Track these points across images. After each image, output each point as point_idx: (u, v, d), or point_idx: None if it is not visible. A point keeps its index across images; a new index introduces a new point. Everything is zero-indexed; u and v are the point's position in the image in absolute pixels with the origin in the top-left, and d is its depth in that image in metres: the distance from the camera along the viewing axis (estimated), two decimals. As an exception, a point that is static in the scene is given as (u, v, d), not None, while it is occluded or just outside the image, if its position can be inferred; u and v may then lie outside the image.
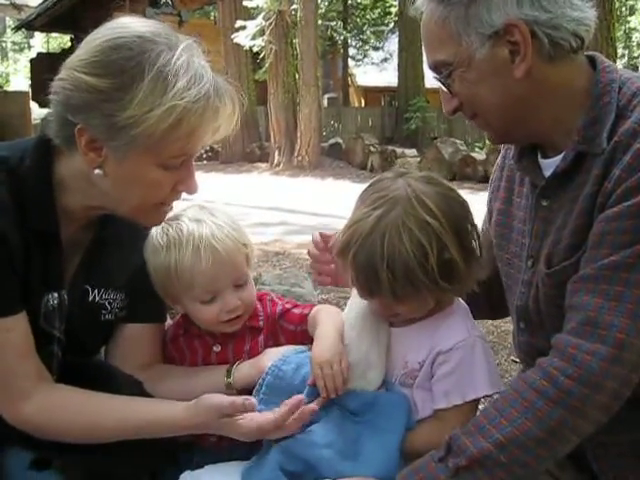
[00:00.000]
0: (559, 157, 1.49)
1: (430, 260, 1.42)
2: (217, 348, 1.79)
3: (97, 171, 1.45)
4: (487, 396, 1.58)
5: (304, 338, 1.75)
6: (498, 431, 1.35)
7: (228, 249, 1.68)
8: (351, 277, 1.51)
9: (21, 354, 1.49)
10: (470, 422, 1.42)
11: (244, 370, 1.71)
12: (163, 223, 1.68)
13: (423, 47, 1.54)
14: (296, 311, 1.80)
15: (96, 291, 1.66)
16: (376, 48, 32.15)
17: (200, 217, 1.70)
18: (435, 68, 1.49)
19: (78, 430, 1.54)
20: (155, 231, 1.71)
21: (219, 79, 1.47)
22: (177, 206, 1.67)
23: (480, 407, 1.57)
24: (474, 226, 1.53)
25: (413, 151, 17.26)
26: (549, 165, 1.53)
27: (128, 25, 1.45)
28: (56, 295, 1.57)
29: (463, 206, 1.52)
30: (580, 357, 1.31)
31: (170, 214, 1.67)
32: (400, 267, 1.42)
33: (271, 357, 1.69)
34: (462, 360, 1.54)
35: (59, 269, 1.59)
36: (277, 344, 1.78)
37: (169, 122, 1.38)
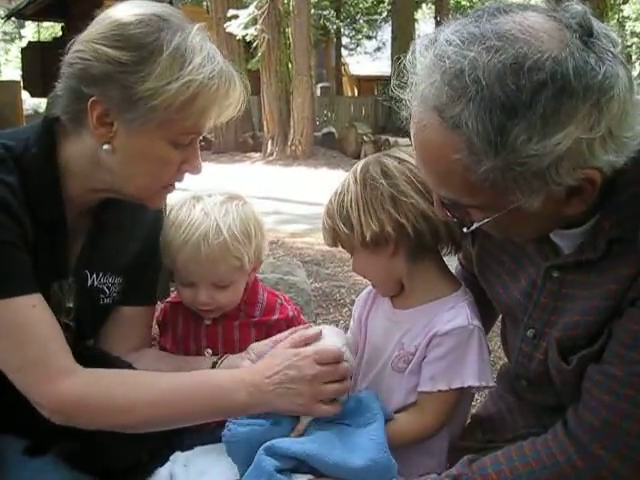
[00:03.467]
0: (577, 230, 1.32)
1: (334, 202, 1.62)
2: (208, 321, 1.84)
3: (106, 146, 1.46)
4: (471, 387, 1.58)
5: None
6: None
7: (212, 256, 1.69)
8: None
9: (52, 330, 1.47)
10: (479, 468, 1.39)
11: (230, 363, 1.73)
12: (192, 199, 1.74)
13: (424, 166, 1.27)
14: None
15: (94, 276, 1.67)
16: (369, 37, 32.08)
17: (211, 211, 1.72)
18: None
19: (126, 404, 1.46)
20: (179, 202, 1.77)
21: (228, 63, 1.52)
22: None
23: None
24: (394, 186, 1.56)
25: (406, 140, 17.16)
26: (565, 237, 1.36)
27: (143, 4, 1.49)
28: (63, 282, 1.58)
29: (387, 171, 1.58)
30: (607, 459, 1.29)
31: (205, 191, 1.77)
32: (325, 211, 1.64)
33: (256, 351, 1.71)
34: (455, 346, 1.56)
35: (65, 257, 1.60)
36: (268, 334, 1.80)
37: (186, 96, 1.42)
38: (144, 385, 1.50)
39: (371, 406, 1.57)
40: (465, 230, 1.31)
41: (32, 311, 1.44)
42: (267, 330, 1.85)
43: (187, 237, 1.69)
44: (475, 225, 1.27)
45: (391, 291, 1.68)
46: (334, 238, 1.65)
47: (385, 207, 1.54)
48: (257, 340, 1.80)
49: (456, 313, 1.59)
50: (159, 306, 1.94)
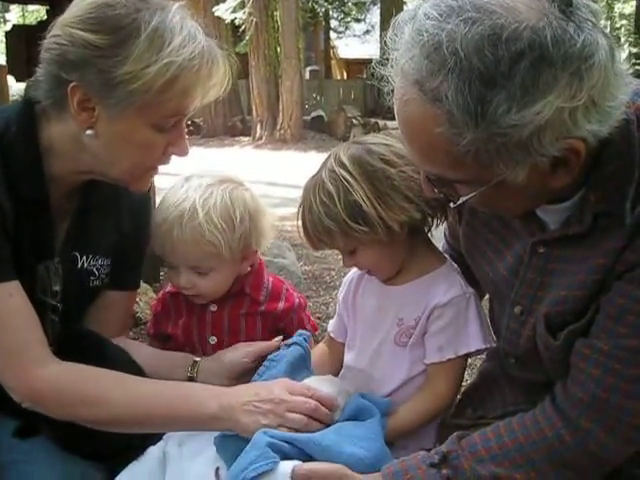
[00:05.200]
0: (563, 205, 1.32)
1: (337, 204, 1.52)
2: (214, 308, 1.82)
3: (89, 131, 1.44)
4: (478, 352, 1.64)
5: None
6: (497, 466, 1.37)
7: (183, 238, 1.67)
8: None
9: (29, 320, 1.47)
10: (468, 444, 1.41)
11: (206, 364, 1.74)
12: (183, 180, 1.73)
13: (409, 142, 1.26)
14: (305, 320, 1.89)
15: (84, 258, 1.66)
16: (358, 20, 31.86)
17: (193, 194, 1.68)
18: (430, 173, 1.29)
19: (95, 397, 1.50)
20: (177, 184, 1.75)
21: (211, 41, 1.48)
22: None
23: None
24: (403, 173, 1.53)
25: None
26: (550, 212, 1.36)
27: None
28: (49, 264, 1.57)
29: (385, 157, 1.55)
30: (595, 433, 1.30)
31: (203, 171, 1.76)
32: (314, 216, 1.55)
33: (236, 354, 1.73)
34: (456, 315, 1.60)
35: (50, 238, 1.58)
36: (274, 325, 1.84)
37: (166, 78, 1.39)
38: (117, 384, 1.51)
39: (365, 407, 1.57)
40: (452, 205, 1.31)
41: (8, 300, 1.44)
42: (273, 320, 1.84)
43: (165, 216, 1.68)
44: (461, 200, 1.27)
45: (392, 274, 1.68)
46: (332, 241, 1.58)
47: (404, 193, 1.53)
48: (263, 330, 1.81)
49: (450, 283, 1.63)
50: (143, 307, 1.93)
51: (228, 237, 1.68)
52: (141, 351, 1.77)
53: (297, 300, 1.89)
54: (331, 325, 1.86)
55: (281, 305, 1.84)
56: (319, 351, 1.87)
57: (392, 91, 1.23)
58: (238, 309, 1.81)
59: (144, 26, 1.38)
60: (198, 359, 1.75)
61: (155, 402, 1.51)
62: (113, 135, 1.45)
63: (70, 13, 1.44)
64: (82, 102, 1.42)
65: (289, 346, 1.68)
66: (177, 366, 1.74)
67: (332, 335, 1.85)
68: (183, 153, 1.55)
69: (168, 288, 1.90)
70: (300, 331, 1.71)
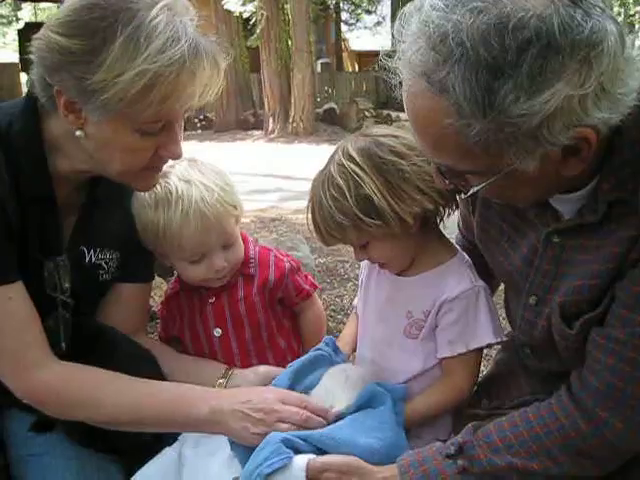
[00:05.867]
0: (576, 195, 1.31)
1: (348, 198, 1.50)
2: (212, 299, 1.83)
3: (78, 133, 1.42)
4: (489, 345, 1.62)
5: (294, 305, 1.83)
6: (513, 456, 1.37)
7: (217, 214, 1.67)
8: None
9: (28, 322, 1.48)
10: (484, 434, 1.41)
11: (240, 372, 1.76)
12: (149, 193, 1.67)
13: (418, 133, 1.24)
14: (300, 281, 1.87)
15: (92, 252, 1.66)
16: (369, 12, 31.70)
17: (189, 177, 1.68)
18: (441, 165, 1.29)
19: (92, 400, 1.52)
20: (143, 198, 1.69)
21: (203, 40, 1.39)
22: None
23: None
24: (414, 165, 1.52)
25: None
26: (564, 201, 1.35)
27: None
28: (57, 259, 1.57)
29: (395, 149, 1.53)
30: (611, 422, 1.29)
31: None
32: (325, 212, 1.53)
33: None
34: (466, 309, 1.59)
35: (57, 233, 1.58)
36: (263, 298, 1.82)
37: (139, 87, 1.32)
38: (113, 386, 1.53)
39: (378, 394, 1.57)
40: (463, 196, 1.30)
41: (7, 303, 1.45)
42: (270, 294, 1.84)
43: (185, 209, 1.65)
44: (472, 190, 1.26)
45: (405, 266, 1.67)
46: (343, 236, 1.57)
47: (416, 185, 1.52)
48: (265, 309, 1.82)
49: (460, 277, 1.61)
50: (158, 301, 1.93)
51: (236, 197, 1.74)
52: (172, 357, 1.80)
53: (287, 264, 1.87)
54: (356, 301, 1.88)
55: (272, 273, 1.84)
56: (350, 329, 1.87)
57: (400, 83, 1.22)
58: (235, 295, 1.82)
59: (121, 29, 1.31)
60: (230, 368, 1.77)
61: (148, 404, 1.52)
62: (101, 137, 1.42)
63: (55, 14, 1.40)
64: (68, 105, 1.39)
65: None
66: (207, 374, 1.76)
67: (357, 312, 1.86)
68: (174, 156, 1.51)
69: (169, 291, 1.90)
70: (326, 337, 1.75)
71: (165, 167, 1.61)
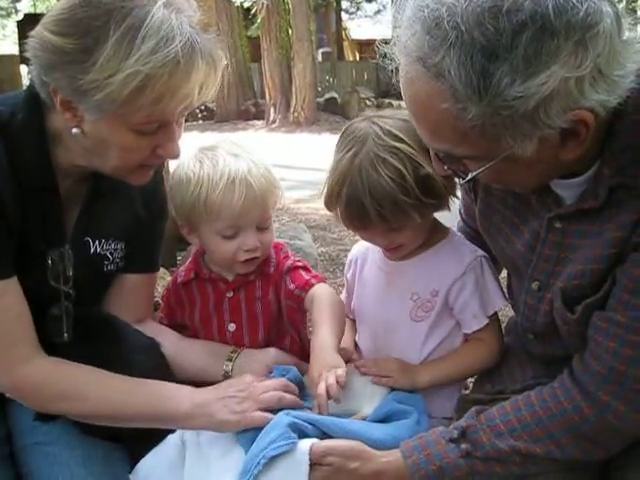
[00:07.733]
0: (578, 180, 1.31)
1: (408, 180, 1.49)
2: (230, 294, 1.80)
3: (74, 130, 1.41)
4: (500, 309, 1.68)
5: (299, 302, 1.76)
6: (516, 440, 1.37)
7: (262, 188, 1.67)
8: (343, 220, 1.59)
9: (18, 318, 1.49)
10: (487, 418, 1.42)
11: (248, 351, 1.76)
12: (197, 152, 1.69)
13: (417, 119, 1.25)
14: (303, 273, 1.79)
15: (97, 242, 1.66)
16: (369, 0, 31.61)
17: (237, 152, 1.71)
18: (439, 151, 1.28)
19: (73, 395, 1.54)
20: (188, 160, 1.70)
21: (200, 37, 1.36)
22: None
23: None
24: None
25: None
26: (566, 187, 1.35)
27: None
28: (60, 250, 1.56)
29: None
30: (613, 405, 1.30)
31: (207, 144, 1.71)
32: (382, 193, 1.49)
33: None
34: (476, 281, 1.64)
35: (60, 224, 1.57)
36: (277, 297, 1.79)
37: (130, 89, 1.30)
38: (94, 381, 1.54)
39: (398, 411, 1.57)
40: (461, 182, 1.30)
41: (1, 298, 1.45)
42: (277, 291, 1.80)
43: (232, 177, 1.64)
44: (471, 175, 1.25)
45: (414, 248, 1.68)
46: (395, 218, 1.53)
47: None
48: (278, 310, 1.80)
49: (461, 252, 1.66)
50: (162, 292, 1.91)
51: (276, 178, 1.74)
52: (174, 340, 1.79)
53: (289, 262, 1.81)
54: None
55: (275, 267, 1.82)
56: (349, 335, 1.83)
57: (396, 69, 1.22)
58: (253, 293, 1.80)
59: (114, 28, 1.28)
60: (237, 349, 1.76)
61: (130, 400, 1.54)
62: (97, 135, 1.41)
63: (50, 11, 1.39)
64: (64, 103, 1.38)
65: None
66: (214, 355, 1.76)
67: (351, 315, 1.85)
68: (172, 156, 1.50)
69: (180, 278, 1.88)
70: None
71: (213, 142, 1.63)
